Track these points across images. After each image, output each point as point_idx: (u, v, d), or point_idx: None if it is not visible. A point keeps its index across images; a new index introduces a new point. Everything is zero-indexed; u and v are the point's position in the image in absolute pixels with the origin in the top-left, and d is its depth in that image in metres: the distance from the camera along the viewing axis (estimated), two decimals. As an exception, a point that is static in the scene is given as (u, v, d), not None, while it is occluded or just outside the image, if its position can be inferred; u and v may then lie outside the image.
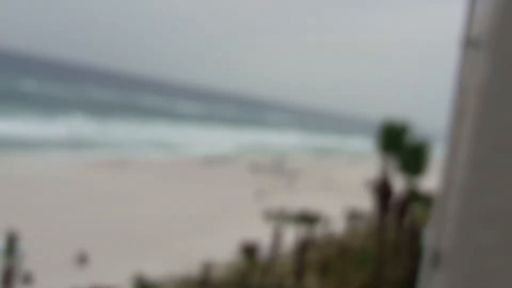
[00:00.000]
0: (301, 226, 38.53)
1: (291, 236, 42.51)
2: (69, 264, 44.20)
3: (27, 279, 36.86)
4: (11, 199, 56.86)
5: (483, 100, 2.69)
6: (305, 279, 42.31)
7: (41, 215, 54.52)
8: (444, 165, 2.92)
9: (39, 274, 38.70)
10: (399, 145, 20.03)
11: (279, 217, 38.09)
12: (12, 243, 27.79)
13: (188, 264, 47.57)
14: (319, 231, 50.43)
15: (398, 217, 20.24)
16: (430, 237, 2.95)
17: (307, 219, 38.04)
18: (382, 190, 18.72)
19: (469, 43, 2.88)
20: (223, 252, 54.66)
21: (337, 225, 68.83)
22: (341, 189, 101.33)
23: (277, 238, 39.29)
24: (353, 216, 60.57)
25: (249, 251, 56.18)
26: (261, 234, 57.50)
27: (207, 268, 34.17)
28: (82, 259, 44.98)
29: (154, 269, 37.66)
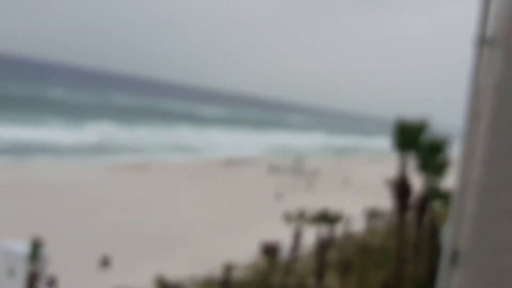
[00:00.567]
0: (321, 226, 38.33)
1: (311, 236, 42.29)
2: (92, 267, 44.55)
3: (51, 283, 37.20)
4: (38, 204, 57.59)
5: (499, 99, 2.69)
6: (326, 278, 42.03)
7: (66, 219, 55.10)
8: (460, 164, 2.93)
9: (64, 278, 39.06)
10: (417, 143, 19.88)
11: (299, 218, 37.94)
12: (36, 248, 28.17)
13: (210, 265, 47.65)
14: (339, 230, 49.99)
15: (417, 216, 20.09)
16: (448, 236, 2.96)
17: (327, 219, 37.83)
18: (401, 189, 18.61)
19: (484, 42, 2.89)
20: (244, 253, 54.65)
21: (357, 224, 68.29)
22: (361, 188, 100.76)
23: (297, 238, 39.11)
24: (372, 215, 60.06)
25: (270, 251, 55.90)
26: (282, 235, 57.20)
27: (228, 269, 34.20)
28: (105, 263, 45.27)
29: (176, 271, 37.82)
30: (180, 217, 61.97)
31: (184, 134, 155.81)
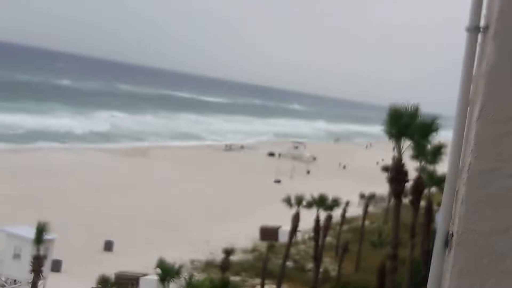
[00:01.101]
0: (320, 211, 38.45)
1: (310, 220, 42.36)
2: (96, 251, 44.59)
3: (56, 266, 37.37)
4: (46, 188, 57.72)
5: (490, 86, 2.74)
6: (323, 261, 42.24)
7: (70, 203, 55.17)
8: (452, 150, 2.98)
9: (69, 261, 39.13)
10: (410, 129, 19.86)
11: (298, 202, 38.08)
12: (41, 232, 28.31)
13: (210, 249, 47.75)
14: (337, 215, 50.07)
15: (413, 200, 20.16)
16: (441, 220, 3.03)
17: (325, 203, 37.94)
18: (397, 174, 18.66)
19: (477, 29, 2.93)
20: (244, 237, 54.74)
21: (355, 209, 68.36)
22: (358, 173, 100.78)
23: (296, 222, 39.25)
24: (369, 200, 60.01)
25: (269, 235, 56.20)
26: (281, 219, 57.26)
27: (228, 252, 34.34)
28: (108, 247, 45.32)
29: (177, 255, 37.94)
30: (181, 200, 62.13)
31: (189, 121, 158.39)
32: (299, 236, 48.92)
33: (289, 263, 42.70)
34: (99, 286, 30.24)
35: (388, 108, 22.43)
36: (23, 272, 31.03)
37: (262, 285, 35.80)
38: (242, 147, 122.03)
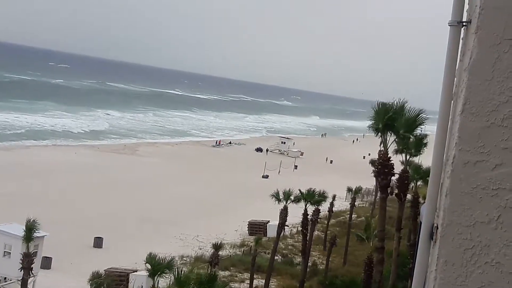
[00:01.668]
0: (308, 205, 38.53)
1: (298, 214, 42.45)
2: (86, 248, 44.34)
3: (47, 263, 37.16)
4: (36, 185, 57.33)
5: (473, 79, 2.77)
6: (312, 255, 42.34)
7: (61, 200, 54.79)
8: (436, 143, 3.01)
9: (59, 258, 38.89)
10: (396, 123, 19.98)
11: (286, 197, 38.10)
12: (31, 230, 28.15)
13: (200, 244, 47.68)
14: (324, 209, 50.18)
15: (399, 194, 20.29)
16: (426, 212, 3.06)
17: (313, 198, 38.03)
18: (383, 168, 18.75)
19: (460, 24, 2.96)
20: (233, 232, 54.71)
21: (342, 202, 68.58)
22: (345, 168, 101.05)
23: (284, 217, 39.26)
24: (356, 193, 60.20)
25: (258, 230, 56.31)
26: (269, 214, 57.30)
27: (217, 247, 34.28)
28: (98, 244, 45.10)
29: (167, 250, 37.83)
30: (170, 196, 61.97)
31: (179, 118, 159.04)
32: (287, 231, 49.06)
33: (278, 258, 42.83)
34: (91, 281, 30.19)
35: (375, 104, 22.61)
36: (13, 269, 30.88)
37: (251, 279, 35.88)
38: (230, 143, 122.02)
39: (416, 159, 32.90)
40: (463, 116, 2.83)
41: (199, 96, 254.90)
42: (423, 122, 22.43)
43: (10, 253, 32.39)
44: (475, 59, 2.80)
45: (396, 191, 29.08)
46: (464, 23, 2.98)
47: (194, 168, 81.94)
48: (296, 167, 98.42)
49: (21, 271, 28.89)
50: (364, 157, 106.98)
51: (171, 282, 24.43)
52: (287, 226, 44.55)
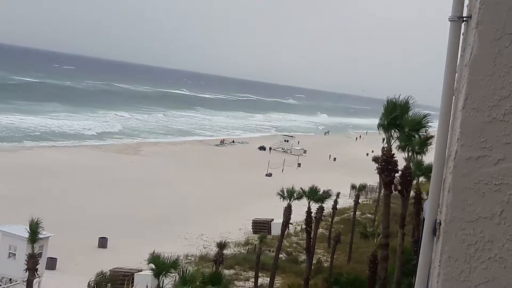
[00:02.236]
0: (311, 203, 38.49)
1: (301, 212, 42.37)
2: (91, 248, 44.36)
3: (52, 264, 37.19)
4: (41, 186, 57.40)
5: (474, 74, 2.77)
6: (316, 252, 42.25)
7: (68, 200, 54.81)
8: (438, 139, 3.01)
9: (63, 259, 38.94)
10: (402, 121, 19.96)
11: (290, 195, 38.08)
12: (36, 231, 28.18)
13: (204, 243, 47.68)
14: (328, 206, 50.10)
15: (402, 190, 20.25)
16: (429, 208, 3.06)
17: (316, 195, 37.99)
18: (386, 165, 18.74)
19: (460, 19, 2.96)
20: (237, 230, 54.69)
21: (346, 200, 68.44)
22: (349, 165, 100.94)
23: (288, 215, 39.22)
24: (360, 190, 60.09)
25: (262, 228, 56.17)
26: (273, 212, 57.24)
27: (221, 246, 34.28)
28: (103, 244, 45.14)
29: (172, 249, 37.82)
30: (174, 195, 62.00)
31: (183, 117, 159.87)
32: (291, 229, 49.06)
33: (282, 255, 42.82)
34: (95, 280, 30.24)
35: (386, 102, 22.56)
36: (19, 270, 30.95)
37: (256, 277, 35.89)
38: (233, 141, 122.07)
39: (419, 157, 32.88)
40: (464, 111, 2.83)
41: (206, 95, 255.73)
42: (428, 125, 22.38)
43: (15, 254, 32.48)
44: (476, 54, 2.80)
45: (399, 187, 29.11)
46: (464, 18, 2.98)
47: (198, 167, 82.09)
48: (299, 165, 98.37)
49: (26, 272, 28.95)
50: (367, 154, 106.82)
51: (175, 282, 24.43)
52: (291, 224, 44.59)
